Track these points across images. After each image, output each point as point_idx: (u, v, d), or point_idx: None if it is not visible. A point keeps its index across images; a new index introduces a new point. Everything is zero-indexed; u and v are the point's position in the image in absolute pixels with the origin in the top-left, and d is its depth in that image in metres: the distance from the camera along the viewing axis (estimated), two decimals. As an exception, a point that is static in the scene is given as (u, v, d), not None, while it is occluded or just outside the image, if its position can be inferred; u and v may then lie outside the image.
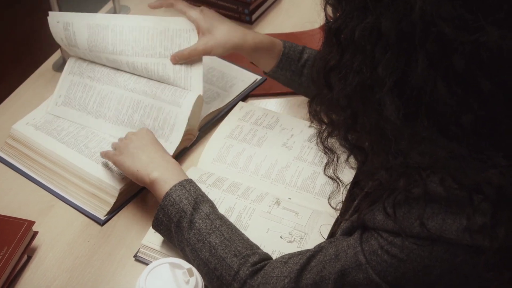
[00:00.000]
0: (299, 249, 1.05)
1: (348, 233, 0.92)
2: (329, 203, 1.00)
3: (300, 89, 1.29)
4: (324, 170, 0.95)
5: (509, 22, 0.71)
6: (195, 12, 1.25)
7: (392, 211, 0.81)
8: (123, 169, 1.12)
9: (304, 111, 1.31)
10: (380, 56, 0.75)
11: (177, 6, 1.26)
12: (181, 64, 1.24)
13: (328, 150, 0.92)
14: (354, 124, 0.83)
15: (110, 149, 1.19)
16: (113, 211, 1.17)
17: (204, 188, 1.13)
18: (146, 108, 1.24)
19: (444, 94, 0.73)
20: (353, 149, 0.88)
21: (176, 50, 1.24)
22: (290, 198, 1.14)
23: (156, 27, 1.26)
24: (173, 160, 1.12)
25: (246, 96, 1.37)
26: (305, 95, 1.30)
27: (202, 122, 1.29)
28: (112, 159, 1.15)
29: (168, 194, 1.04)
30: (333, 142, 0.92)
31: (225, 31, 1.22)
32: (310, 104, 0.92)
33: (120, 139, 1.17)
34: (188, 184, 1.05)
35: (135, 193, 1.20)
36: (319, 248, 0.92)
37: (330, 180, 1.04)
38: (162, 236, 1.07)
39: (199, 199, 1.03)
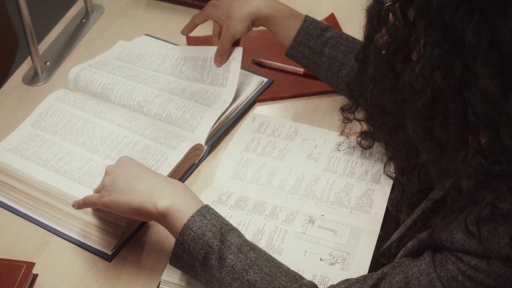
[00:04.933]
0: (344, 272, 0.95)
1: (414, 253, 0.82)
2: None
3: (319, 71, 1.17)
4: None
5: None
6: (208, 10, 1.24)
7: (475, 229, 0.73)
8: (120, 209, 0.94)
9: (320, 115, 1.22)
10: (464, 20, 0.67)
11: (197, 20, 1.27)
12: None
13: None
14: (432, 111, 0.74)
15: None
16: (121, 243, 1.02)
17: (226, 210, 1.01)
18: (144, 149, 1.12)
19: None
20: (426, 140, 0.77)
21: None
22: (323, 215, 1.03)
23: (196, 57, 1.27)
24: (178, 182, 0.97)
25: (253, 102, 1.24)
26: (324, 80, 1.19)
27: (209, 134, 1.16)
28: (100, 203, 0.95)
29: (186, 226, 0.89)
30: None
31: (238, 6, 1.19)
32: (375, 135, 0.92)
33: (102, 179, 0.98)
34: (207, 212, 0.90)
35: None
36: (382, 275, 0.82)
37: (366, 192, 0.95)
38: (183, 272, 0.93)
39: (224, 229, 0.89)
